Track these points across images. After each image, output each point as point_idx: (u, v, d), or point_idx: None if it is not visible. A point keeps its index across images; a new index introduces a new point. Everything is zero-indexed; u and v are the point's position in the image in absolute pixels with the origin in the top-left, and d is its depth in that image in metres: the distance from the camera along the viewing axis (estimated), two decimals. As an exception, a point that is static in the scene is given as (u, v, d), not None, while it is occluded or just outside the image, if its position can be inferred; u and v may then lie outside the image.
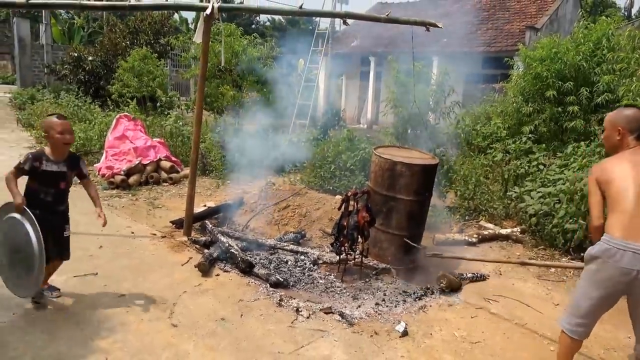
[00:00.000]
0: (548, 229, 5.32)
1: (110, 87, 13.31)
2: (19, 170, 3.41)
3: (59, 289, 3.78)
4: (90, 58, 15.30)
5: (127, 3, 5.02)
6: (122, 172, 7.40)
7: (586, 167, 5.65)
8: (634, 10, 28.67)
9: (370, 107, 17.64)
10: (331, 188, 6.85)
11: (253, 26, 37.31)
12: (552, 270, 4.93)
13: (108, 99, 12.95)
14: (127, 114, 9.05)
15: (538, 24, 14.41)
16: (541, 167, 6.67)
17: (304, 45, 14.12)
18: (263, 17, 41.37)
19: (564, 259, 5.14)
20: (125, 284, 4.05)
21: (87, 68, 15.17)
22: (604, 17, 9.00)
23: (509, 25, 15.57)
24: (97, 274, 4.22)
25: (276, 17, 38.48)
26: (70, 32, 23.40)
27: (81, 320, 3.42)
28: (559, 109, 8.12)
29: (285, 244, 5.15)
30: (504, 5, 17.11)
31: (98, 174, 7.75)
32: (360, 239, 4.48)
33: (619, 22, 8.71)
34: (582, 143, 6.76)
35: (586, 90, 7.76)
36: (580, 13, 11.82)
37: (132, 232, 5.36)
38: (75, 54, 15.38)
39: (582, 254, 5.05)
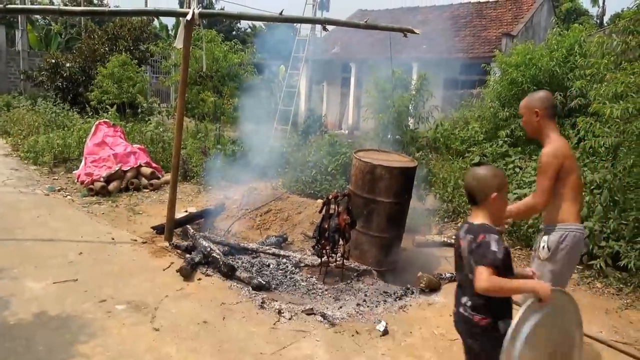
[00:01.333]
0: (524, 229, 5.45)
1: (89, 94, 13.17)
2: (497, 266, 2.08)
3: None
4: (68, 64, 15.11)
5: (106, 9, 5.02)
6: (102, 179, 7.34)
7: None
8: (605, 18, 29.54)
9: (352, 113, 17.78)
10: (312, 192, 6.91)
11: (234, 32, 37.31)
12: (528, 269, 5.06)
13: (87, 106, 12.81)
14: (106, 120, 8.98)
15: (514, 31, 14.75)
16: (517, 169, 6.84)
17: (285, 51, 14.20)
18: (244, 24, 41.37)
19: (539, 258, 5.28)
20: (106, 290, 4.03)
21: (64, 74, 14.97)
22: (576, 25, 9.30)
23: (486, 32, 15.91)
24: (77, 280, 4.19)
25: (257, 23, 38.51)
26: (47, 39, 23.05)
27: (61, 326, 3.39)
28: (534, 113, 8.34)
29: (267, 247, 5.18)
30: (481, 13, 17.48)
31: (77, 181, 7.67)
32: (341, 241, 4.54)
33: (590, 30, 9.01)
34: (556, 146, 6.95)
35: (560, 95, 8.00)
36: (554, 20, 12.15)
37: (113, 239, 5.32)
38: (53, 61, 15.16)
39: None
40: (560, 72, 8.13)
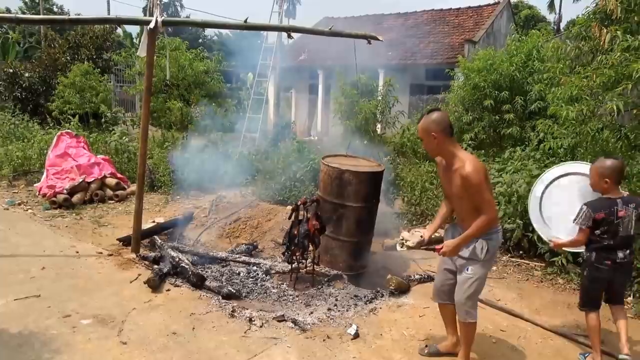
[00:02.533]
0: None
1: (50, 104, 12.82)
2: None
3: None
4: (27, 74, 14.67)
5: (66, 17, 4.91)
6: (65, 191, 7.14)
7: (521, 170, 6.02)
8: (562, 25, 30.71)
9: (320, 119, 17.87)
10: (282, 199, 6.90)
11: (200, 40, 36.99)
12: (494, 268, 5.20)
13: (48, 116, 12.46)
14: (68, 131, 8.74)
15: (475, 37, 15.17)
16: (481, 171, 7.01)
17: (252, 59, 14.18)
18: (210, 32, 41.16)
19: (504, 257, 5.43)
20: (71, 304, 3.91)
21: (23, 85, 14.52)
22: (534, 31, 9.66)
23: (449, 39, 16.30)
24: (39, 295, 4.05)
25: (223, 31, 38.36)
26: (5, 48, 22.30)
27: (23, 344, 3.28)
28: (497, 117, 8.61)
29: (237, 255, 5.14)
30: (444, 20, 17.90)
31: (38, 194, 7.43)
32: (311, 247, 4.55)
33: (547, 36, 9.37)
34: (518, 148, 7.18)
35: (520, 99, 8.29)
36: (513, 27, 12.56)
37: (77, 252, 5.18)
38: (11, 70, 14.70)
39: (521, 252, 5.36)
40: (519, 76, 8.43)
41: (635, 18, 4.51)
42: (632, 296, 4.42)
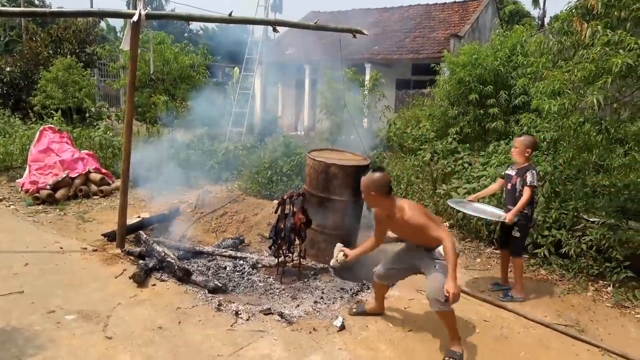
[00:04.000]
0: (473, 222, 5.67)
1: (32, 99, 12.61)
2: None
3: None
4: (8, 69, 14.40)
5: (47, 9, 4.83)
6: (48, 187, 7.05)
7: (505, 164, 6.10)
8: (546, 19, 31.00)
9: (307, 114, 17.86)
10: (268, 193, 6.91)
11: (186, 34, 36.66)
12: (478, 260, 5.27)
13: (30, 111, 12.25)
14: (51, 126, 8.61)
15: (461, 32, 15.27)
16: (466, 165, 7.10)
17: (238, 53, 14.09)
18: (195, 26, 40.79)
19: (488, 249, 5.51)
20: (55, 300, 3.88)
21: (4, 79, 14.25)
22: (517, 26, 9.74)
23: (435, 34, 16.38)
24: (23, 292, 4.01)
25: (209, 25, 38.05)
26: (-16, 41, 21.89)
27: (6, 340, 3.25)
28: (481, 111, 8.68)
29: (224, 250, 5.14)
30: (429, 15, 17.99)
31: (21, 190, 7.33)
32: (297, 241, 4.57)
33: (531, 30, 9.46)
34: (502, 142, 7.28)
35: (505, 93, 8.37)
36: (497, 22, 12.67)
37: (61, 248, 5.12)
38: (-9, 64, 14.42)
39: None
40: (504, 71, 8.50)
41: (616, 13, 4.56)
42: (611, 286, 4.52)
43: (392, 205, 3.29)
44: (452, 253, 3.05)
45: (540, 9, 33.53)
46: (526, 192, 4.07)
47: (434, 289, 3.20)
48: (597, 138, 5.37)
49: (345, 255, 3.64)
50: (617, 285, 4.51)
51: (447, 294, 2.98)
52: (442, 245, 3.14)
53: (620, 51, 4.09)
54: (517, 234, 4.21)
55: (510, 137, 7.64)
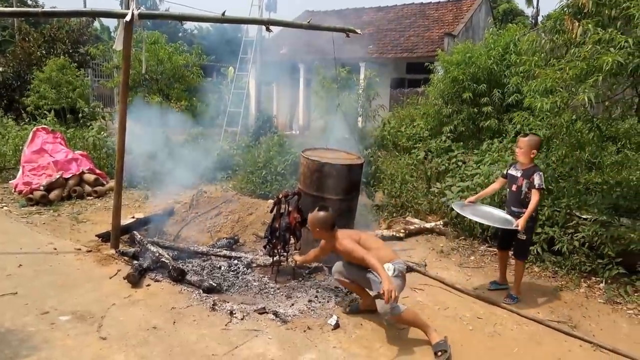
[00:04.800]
0: (467, 220, 5.69)
1: (25, 99, 12.54)
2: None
3: None
4: (0, 69, 14.32)
5: (39, 9, 4.82)
6: (42, 188, 7.02)
7: (498, 162, 6.13)
8: (540, 18, 31.10)
9: (302, 113, 17.86)
10: (263, 193, 6.91)
11: (180, 34, 36.52)
12: (472, 258, 5.30)
13: (23, 112, 12.19)
14: (45, 126, 8.58)
15: (455, 31, 15.30)
16: (460, 163, 7.13)
17: (232, 53, 14.07)
18: (190, 26, 40.68)
19: (482, 247, 5.54)
20: (49, 301, 3.87)
21: (-3, 80, 14.18)
22: (510, 25, 9.79)
23: (429, 33, 16.41)
24: (16, 293, 4.00)
25: (204, 25, 37.93)
26: (-23, 42, 21.73)
27: (0, 341, 3.24)
28: (475, 109, 8.72)
29: (218, 250, 5.14)
30: (424, 14, 18.01)
31: (14, 191, 7.30)
32: (292, 240, 4.58)
33: (525, 29, 9.50)
34: (496, 140, 7.31)
35: (498, 92, 8.41)
36: (491, 21, 12.70)
37: (55, 249, 5.11)
38: (-17, 65, 14.33)
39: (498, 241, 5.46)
40: (497, 69, 8.54)
41: (606, 12, 4.60)
42: (603, 282, 4.56)
43: (333, 237, 3.71)
44: (372, 263, 3.36)
45: (533, 7, 33.62)
46: (535, 196, 3.97)
47: (378, 303, 3.39)
48: (589, 136, 5.41)
49: (295, 261, 4.22)
50: (609, 281, 4.55)
51: (382, 292, 3.16)
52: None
53: (611, 49, 4.12)
54: (523, 237, 4.12)
55: (504, 135, 7.69)
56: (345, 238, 3.66)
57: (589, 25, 4.35)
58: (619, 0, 4.43)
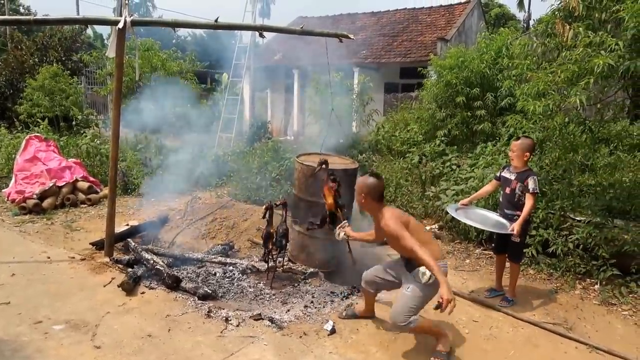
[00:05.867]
0: (462, 223, 5.70)
1: (18, 107, 12.50)
2: None
3: None
4: (-7, 77, 14.28)
5: (31, 17, 4.80)
6: (35, 196, 6.97)
7: (492, 165, 6.15)
8: (532, 22, 31.34)
9: (296, 119, 17.87)
10: (258, 199, 6.89)
11: (174, 41, 36.52)
12: (467, 261, 5.31)
13: (16, 120, 12.14)
14: (37, 134, 8.53)
15: (447, 35, 15.38)
16: (454, 167, 7.15)
17: (226, 59, 14.08)
18: (183, 33, 40.68)
19: (477, 250, 5.55)
20: (43, 310, 3.84)
21: (-11, 88, 14.13)
22: (502, 29, 9.86)
23: (422, 37, 16.49)
24: (9, 302, 3.96)
25: (197, 32, 37.98)
26: (-31, 50, 21.63)
27: (-8, 352, 3.21)
28: (469, 113, 8.76)
29: (213, 256, 5.11)
30: (416, 19, 18.10)
31: (7, 200, 7.24)
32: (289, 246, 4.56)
33: (517, 33, 9.58)
34: (489, 143, 7.34)
35: (491, 95, 8.45)
36: (483, 25, 12.79)
37: (49, 257, 5.07)
38: (-25, 73, 14.27)
39: (493, 245, 5.48)
40: (490, 73, 8.59)
41: (596, 15, 4.65)
42: (598, 284, 4.57)
43: (378, 210, 3.35)
44: (427, 261, 2.98)
45: (525, 11, 33.85)
46: (530, 200, 3.97)
47: (394, 310, 3.24)
48: (581, 138, 5.45)
49: (347, 235, 3.81)
50: (603, 283, 4.56)
51: (441, 300, 2.88)
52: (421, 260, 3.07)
53: (602, 52, 4.16)
54: (518, 239, 4.11)
55: (497, 138, 7.72)
56: (393, 218, 3.20)
57: (580, 29, 4.39)
58: (609, 4, 4.48)
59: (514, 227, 3.93)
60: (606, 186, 5.94)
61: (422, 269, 3.11)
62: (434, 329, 3.37)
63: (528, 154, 4.15)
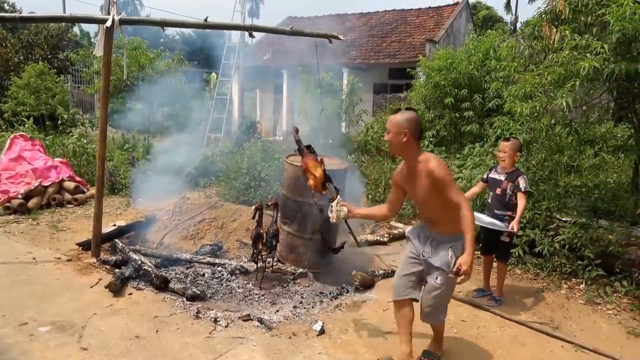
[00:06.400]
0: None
1: (3, 106, 12.31)
2: None
3: None
4: (-23, 75, 14.05)
5: (17, 15, 4.74)
6: (20, 196, 6.87)
7: (480, 166, 6.21)
8: (518, 25, 31.67)
9: (285, 119, 17.85)
10: (247, 199, 6.86)
11: (162, 40, 36.24)
12: (456, 261, 5.34)
13: (0, 119, 11.97)
14: (23, 133, 8.41)
15: (436, 37, 15.49)
16: (443, 168, 7.18)
17: (214, 59, 14.02)
18: (172, 32, 40.38)
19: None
20: (28, 312, 3.78)
21: (-27, 86, 13.90)
22: (490, 31, 9.96)
23: (410, 39, 16.58)
24: (-7, 304, 3.90)
25: (186, 31, 37.74)
26: (-48, 47, 21.23)
27: (-24, 354, 3.15)
28: (457, 114, 8.84)
29: (202, 257, 5.09)
30: (405, 20, 18.19)
31: (-9, 199, 7.12)
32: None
33: (504, 35, 9.69)
34: (477, 144, 7.41)
35: (479, 97, 8.53)
36: (471, 27, 12.89)
37: (34, 258, 5.00)
38: (-41, 71, 14.04)
39: (479, 244, 5.54)
40: (478, 75, 8.67)
41: (582, 18, 4.72)
42: (584, 283, 4.63)
43: (417, 154, 2.84)
44: (470, 222, 2.66)
45: (512, 14, 34.23)
46: (522, 199, 4.00)
47: (432, 310, 2.99)
48: (567, 140, 5.52)
49: (349, 211, 3.17)
50: (589, 282, 4.62)
51: (459, 267, 2.62)
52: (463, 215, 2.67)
53: (588, 55, 4.22)
54: (507, 239, 4.18)
55: (485, 139, 7.79)
56: (441, 163, 2.78)
57: (567, 32, 4.45)
58: (594, 8, 4.55)
59: (513, 225, 3.90)
60: (591, 187, 6.02)
61: (450, 254, 2.82)
62: (443, 335, 3.31)
63: (518, 154, 4.21)
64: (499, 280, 4.33)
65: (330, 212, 3.22)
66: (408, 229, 3.23)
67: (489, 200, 4.32)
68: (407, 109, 2.95)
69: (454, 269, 2.67)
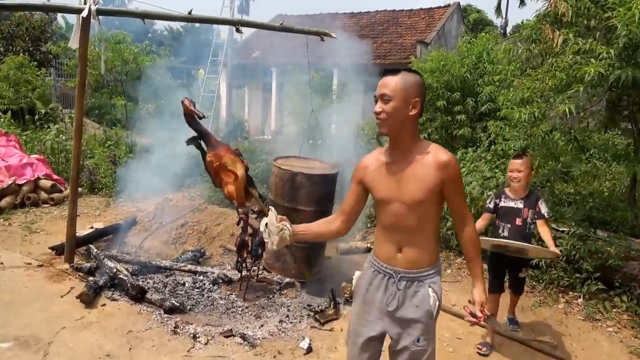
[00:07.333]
0: (443, 231, 5.54)
1: (-21, 99, 11.86)
2: None
3: None
4: (-47, 66, 13.53)
5: (-13, 3, 4.42)
6: (-8, 194, 6.52)
7: (473, 172, 6.02)
8: (508, 29, 31.76)
9: (274, 118, 17.56)
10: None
11: (149, 34, 35.65)
12: (449, 271, 5.15)
13: (-24, 113, 11.52)
14: (-2, 128, 8.05)
15: (427, 38, 15.33)
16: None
17: (202, 55, 13.69)
18: (160, 26, 39.79)
19: (458, 259, 5.39)
20: (-11, 325, 3.49)
21: (-51, 78, 13.37)
22: (483, 34, 9.81)
23: (401, 40, 16.40)
24: (-48, 315, 3.59)
25: (174, 25, 37.21)
26: None
27: None
28: (449, 117, 8.64)
29: (183, 264, 4.81)
30: (396, 21, 18.02)
31: (-39, 198, 6.75)
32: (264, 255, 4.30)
33: (496, 38, 9.54)
34: (470, 149, 7.22)
35: (472, 100, 8.35)
36: (463, 29, 12.75)
37: (2, 263, 4.67)
38: None
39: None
40: (471, 78, 8.48)
41: (585, 22, 4.54)
42: (582, 298, 4.46)
43: (416, 138, 2.03)
44: (479, 244, 2.08)
45: (502, 18, 34.36)
46: (545, 226, 3.45)
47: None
48: (565, 147, 5.35)
49: (291, 234, 2.04)
50: (587, 297, 4.45)
51: (482, 308, 2.05)
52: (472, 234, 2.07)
53: (592, 60, 4.03)
54: (525, 274, 3.78)
55: (478, 144, 7.62)
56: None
57: (570, 35, 4.26)
58: (598, 11, 4.37)
59: (556, 250, 3.30)
60: (586, 195, 5.87)
61: (431, 293, 2.04)
62: None
63: (533, 172, 3.72)
64: (512, 306, 3.96)
65: (266, 233, 2.07)
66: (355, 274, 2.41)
67: (505, 234, 3.53)
68: (410, 70, 2.07)
69: (471, 312, 2.05)
